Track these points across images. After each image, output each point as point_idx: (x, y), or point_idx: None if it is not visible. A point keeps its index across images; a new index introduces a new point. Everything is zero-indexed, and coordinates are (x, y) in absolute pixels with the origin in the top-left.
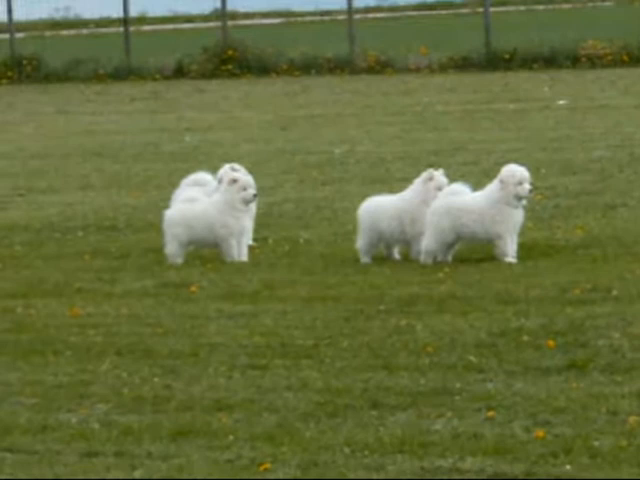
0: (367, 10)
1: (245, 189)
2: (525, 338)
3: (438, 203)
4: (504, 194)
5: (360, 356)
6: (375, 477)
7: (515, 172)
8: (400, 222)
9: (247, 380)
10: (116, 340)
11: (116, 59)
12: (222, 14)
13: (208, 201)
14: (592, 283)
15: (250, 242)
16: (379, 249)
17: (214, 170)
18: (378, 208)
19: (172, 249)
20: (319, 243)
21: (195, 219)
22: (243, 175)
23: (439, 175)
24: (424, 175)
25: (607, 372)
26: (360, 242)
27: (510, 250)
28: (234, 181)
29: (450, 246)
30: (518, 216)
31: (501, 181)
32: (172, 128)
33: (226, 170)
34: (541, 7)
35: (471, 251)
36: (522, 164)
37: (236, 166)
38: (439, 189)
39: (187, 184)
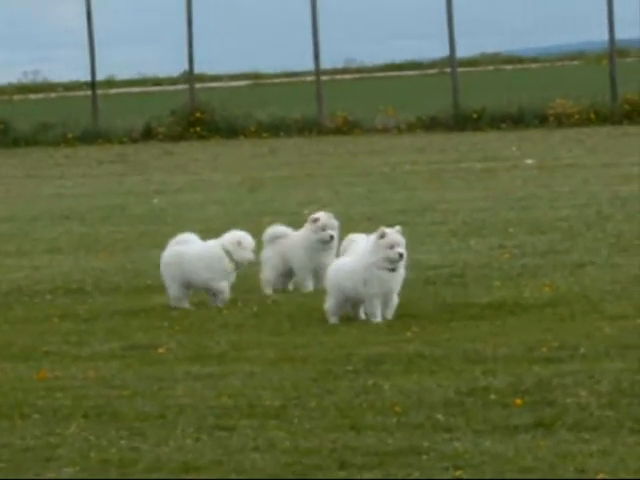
0: (335, 71)
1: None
2: (493, 397)
3: None
4: None
5: (328, 416)
6: None
7: None
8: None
9: (215, 441)
10: (83, 403)
11: (84, 122)
12: (190, 76)
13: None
14: (559, 341)
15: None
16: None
17: (183, 232)
18: (342, 268)
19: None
20: (287, 304)
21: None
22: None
23: (392, 232)
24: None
25: (575, 430)
26: (328, 303)
27: None
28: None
29: None
30: None
31: None
32: (140, 191)
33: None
34: (509, 67)
35: (439, 310)
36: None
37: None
38: (391, 247)
39: (174, 244)
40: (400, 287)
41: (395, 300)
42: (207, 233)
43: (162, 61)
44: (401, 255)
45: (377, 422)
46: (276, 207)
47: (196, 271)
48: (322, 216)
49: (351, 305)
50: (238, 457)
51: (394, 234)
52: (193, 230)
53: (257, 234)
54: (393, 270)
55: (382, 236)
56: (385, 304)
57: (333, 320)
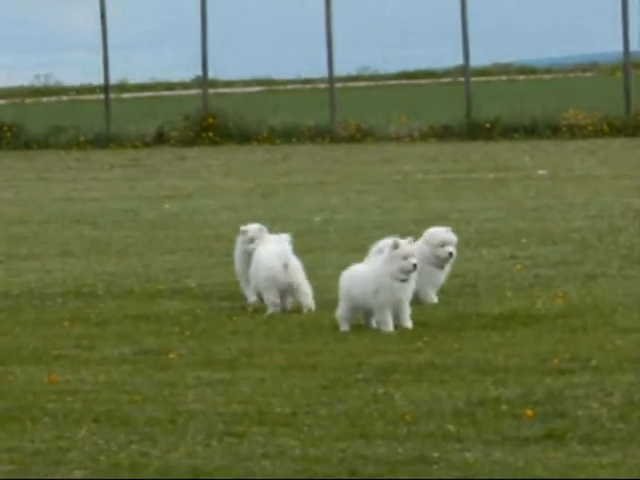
0: (348, 79)
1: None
2: (504, 407)
3: None
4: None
5: (338, 425)
6: None
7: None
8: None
9: (224, 448)
10: (94, 407)
11: (96, 126)
12: (203, 82)
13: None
14: (571, 353)
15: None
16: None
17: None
18: (353, 276)
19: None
20: (297, 311)
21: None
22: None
23: (405, 243)
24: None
25: (586, 442)
26: (339, 309)
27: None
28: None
29: None
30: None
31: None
32: (152, 195)
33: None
34: (522, 77)
35: (450, 320)
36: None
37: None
38: (404, 258)
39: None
40: (411, 296)
41: (407, 308)
42: (218, 239)
43: (175, 66)
44: (415, 266)
45: (387, 431)
46: (288, 214)
47: None
48: (439, 232)
49: (362, 314)
50: (248, 464)
51: (407, 245)
52: (204, 235)
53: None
54: (405, 281)
55: (396, 247)
56: (396, 314)
57: (344, 327)
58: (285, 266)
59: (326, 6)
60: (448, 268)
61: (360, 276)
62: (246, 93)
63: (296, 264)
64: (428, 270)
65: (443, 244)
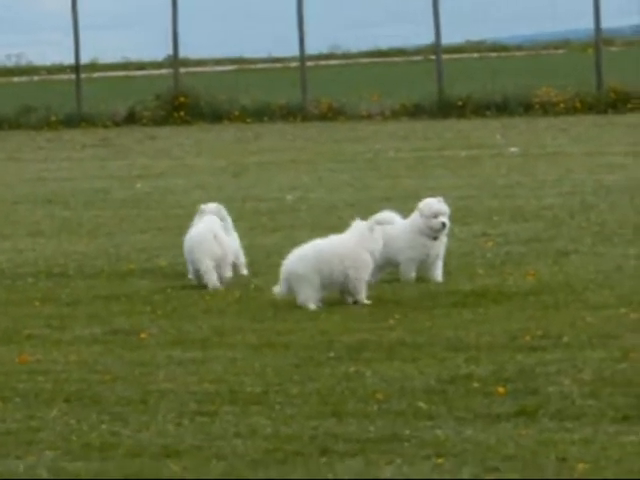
0: (319, 57)
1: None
2: (475, 385)
3: None
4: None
5: (310, 403)
6: None
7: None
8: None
9: (196, 427)
10: (65, 387)
11: (67, 106)
12: (174, 61)
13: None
14: (543, 330)
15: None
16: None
17: (168, 217)
18: (322, 252)
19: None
20: (269, 290)
21: None
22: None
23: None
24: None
25: (557, 419)
26: (302, 293)
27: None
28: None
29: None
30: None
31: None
32: (123, 175)
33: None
34: (494, 54)
35: (422, 297)
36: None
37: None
38: (435, 216)
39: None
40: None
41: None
42: (189, 218)
43: (146, 45)
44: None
45: (359, 409)
46: (259, 192)
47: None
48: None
49: (338, 289)
50: (219, 443)
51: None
52: (176, 215)
53: (239, 219)
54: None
55: (378, 223)
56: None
57: (313, 307)
58: (214, 237)
59: None
60: (443, 240)
61: (329, 251)
62: (217, 72)
63: (225, 240)
64: (420, 242)
65: (436, 215)
